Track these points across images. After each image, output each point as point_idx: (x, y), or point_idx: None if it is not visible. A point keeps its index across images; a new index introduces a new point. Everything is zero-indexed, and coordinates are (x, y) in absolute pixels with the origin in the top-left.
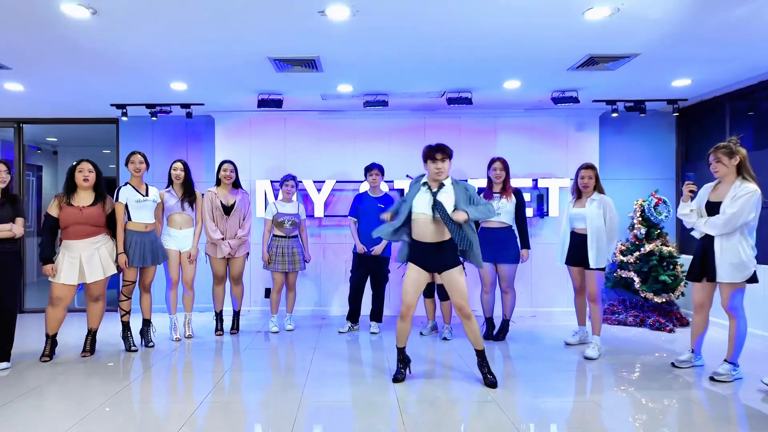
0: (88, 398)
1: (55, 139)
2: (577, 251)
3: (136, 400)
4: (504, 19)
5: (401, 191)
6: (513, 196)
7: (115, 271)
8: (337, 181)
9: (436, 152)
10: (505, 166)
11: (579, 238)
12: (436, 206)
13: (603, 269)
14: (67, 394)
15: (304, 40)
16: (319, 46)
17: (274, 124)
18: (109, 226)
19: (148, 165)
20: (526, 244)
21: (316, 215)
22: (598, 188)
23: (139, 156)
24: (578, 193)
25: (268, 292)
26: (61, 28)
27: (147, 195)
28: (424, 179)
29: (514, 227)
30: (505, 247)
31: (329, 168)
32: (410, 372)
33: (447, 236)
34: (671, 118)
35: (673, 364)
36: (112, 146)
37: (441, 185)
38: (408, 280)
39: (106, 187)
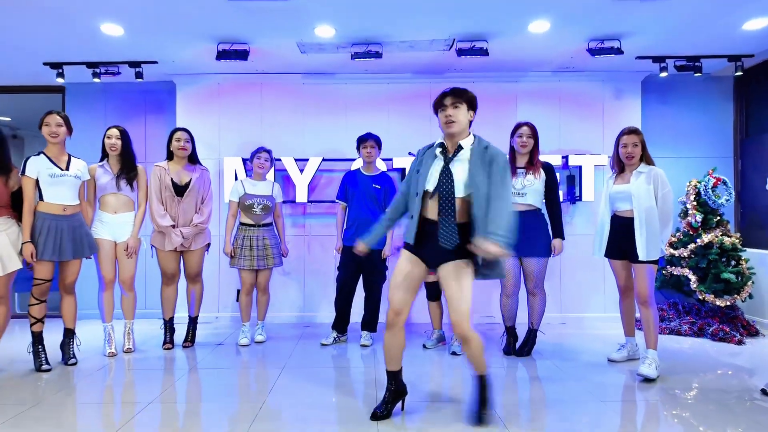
0: None
1: (9, 119)
2: (621, 240)
3: None
4: None
5: (402, 171)
6: (542, 171)
7: (20, 266)
8: (323, 159)
9: (444, 97)
10: (534, 133)
11: (623, 222)
12: (441, 182)
13: (656, 262)
14: None
15: None
16: None
17: (249, 91)
18: (15, 207)
19: (70, 129)
20: (559, 233)
21: (298, 200)
22: (645, 158)
23: (57, 116)
24: (620, 167)
25: (239, 295)
26: None
27: (67, 169)
28: (439, 141)
29: (544, 211)
30: (532, 236)
31: (315, 144)
32: (402, 408)
33: (464, 217)
34: (728, 83)
35: (764, 391)
36: None
37: (459, 148)
38: (397, 273)
39: (11, 158)
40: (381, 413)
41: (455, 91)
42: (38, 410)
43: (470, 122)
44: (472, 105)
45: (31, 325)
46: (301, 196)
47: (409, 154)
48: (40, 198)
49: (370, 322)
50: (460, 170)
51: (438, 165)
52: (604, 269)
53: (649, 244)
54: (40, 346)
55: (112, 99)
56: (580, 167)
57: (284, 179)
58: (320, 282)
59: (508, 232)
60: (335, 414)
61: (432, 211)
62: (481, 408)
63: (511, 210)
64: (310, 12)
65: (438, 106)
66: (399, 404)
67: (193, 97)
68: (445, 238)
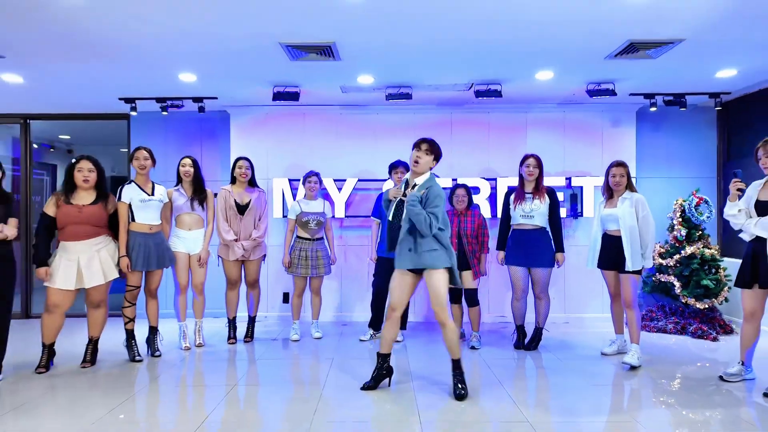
0: (84, 413)
1: (68, 137)
2: (612, 254)
3: (140, 416)
4: (538, 2)
5: None
6: (546, 196)
7: (117, 276)
8: (359, 180)
9: (422, 142)
10: (539, 164)
11: (612, 240)
12: (398, 207)
13: (639, 272)
14: (62, 410)
15: (317, 24)
16: (335, 30)
17: (293, 119)
18: (112, 227)
19: (154, 161)
20: (560, 248)
21: (336, 216)
22: (629, 187)
23: (144, 152)
24: (609, 193)
25: (286, 297)
26: (51, 14)
27: (153, 194)
28: (405, 178)
29: (548, 229)
30: (539, 250)
31: (351, 166)
32: (389, 384)
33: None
34: (712, 113)
35: (721, 378)
36: (122, 142)
37: (413, 186)
38: (393, 281)
39: (109, 186)
40: (370, 384)
41: (429, 141)
42: (150, 392)
43: (431, 168)
44: (438, 156)
45: (125, 323)
46: (339, 211)
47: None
48: (132, 219)
49: (401, 322)
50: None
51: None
52: (603, 278)
53: (634, 257)
54: (133, 341)
55: (171, 126)
56: (581, 187)
57: (324, 196)
58: (355, 286)
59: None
60: (380, 393)
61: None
62: (459, 385)
63: (417, 218)
64: (356, 67)
65: (414, 146)
66: (387, 380)
67: (244, 125)
68: (402, 253)
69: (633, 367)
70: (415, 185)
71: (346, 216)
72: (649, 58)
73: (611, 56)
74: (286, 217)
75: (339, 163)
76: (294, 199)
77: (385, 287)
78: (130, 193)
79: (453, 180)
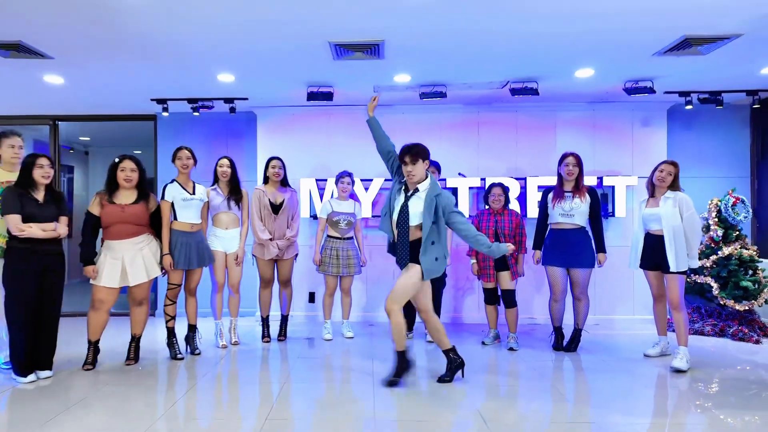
0: (137, 412)
1: (88, 139)
2: (654, 254)
3: (190, 415)
4: None
5: (453, 190)
6: (587, 194)
7: (159, 274)
8: (385, 180)
9: (404, 155)
10: (579, 162)
11: (655, 240)
12: (402, 211)
13: (685, 272)
14: (114, 407)
15: (371, 21)
16: (387, 28)
17: (318, 119)
18: (152, 225)
19: (195, 161)
20: (601, 248)
21: (363, 215)
22: (674, 186)
23: (187, 151)
24: (652, 191)
25: (312, 297)
26: (113, 12)
27: (194, 193)
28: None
29: (588, 228)
30: (579, 250)
31: (376, 165)
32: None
33: (418, 235)
34: (745, 111)
35: None
36: (146, 146)
37: (416, 190)
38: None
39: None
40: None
41: (411, 149)
42: (201, 389)
43: (426, 169)
44: (426, 157)
45: (167, 321)
46: (366, 211)
47: (459, 174)
48: (174, 218)
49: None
50: (415, 206)
51: (400, 201)
52: (633, 277)
53: (678, 257)
54: (174, 339)
55: (198, 127)
56: (612, 187)
57: (350, 196)
58: (380, 285)
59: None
60: (433, 391)
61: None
62: (396, 375)
63: (473, 232)
64: (397, 66)
65: (401, 160)
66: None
67: (271, 125)
68: (400, 258)
69: (680, 371)
70: (417, 190)
71: (372, 216)
72: (697, 55)
73: (660, 53)
74: (313, 217)
75: (364, 163)
76: (321, 199)
77: None
78: (172, 192)
79: (482, 180)
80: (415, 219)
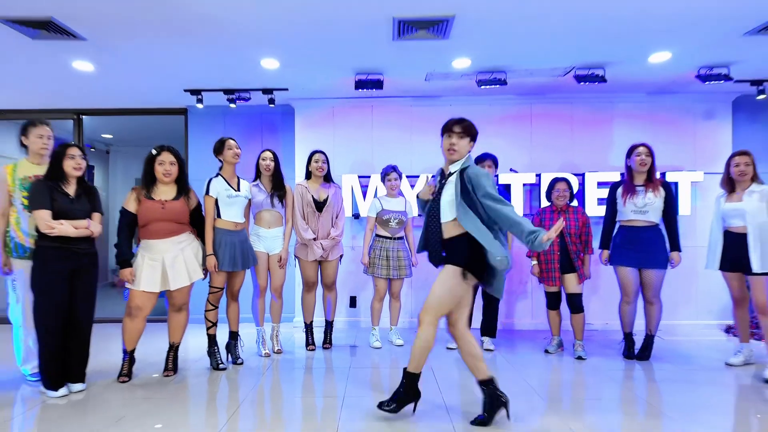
0: (195, 427)
1: (111, 136)
2: (735, 253)
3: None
4: None
5: (506, 187)
6: (661, 188)
7: (202, 276)
8: (432, 176)
9: (453, 125)
10: (651, 153)
11: (736, 237)
12: (429, 202)
13: None
14: (170, 424)
15: None
16: (460, 2)
17: (361, 112)
18: (192, 223)
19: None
20: (676, 246)
21: (409, 214)
22: (755, 178)
23: (233, 142)
24: (731, 186)
25: (353, 301)
26: None
27: (239, 189)
28: (439, 169)
29: (662, 226)
30: (652, 249)
31: (422, 161)
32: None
33: (456, 232)
34: None
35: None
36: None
37: (448, 175)
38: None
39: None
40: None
41: (463, 123)
42: (255, 403)
43: (468, 151)
44: (475, 136)
45: (208, 328)
46: (414, 209)
47: (511, 170)
48: (217, 215)
49: (489, 329)
50: (447, 193)
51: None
52: (697, 281)
53: (764, 256)
54: (215, 348)
55: (231, 121)
56: (676, 183)
57: (399, 193)
58: (427, 290)
59: (504, 251)
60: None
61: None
62: (393, 401)
63: (509, 216)
64: (459, 48)
65: (445, 131)
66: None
67: (309, 119)
68: (432, 256)
69: None
70: (450, 174)
71: (419, 215)
72: None
73: (754, 31)
74: (355, 216)
75: (409, 159)
76: (364, 197)
77: (472, 293)
78: (217, 187)
79: (536, 176)
80: (446, 215)
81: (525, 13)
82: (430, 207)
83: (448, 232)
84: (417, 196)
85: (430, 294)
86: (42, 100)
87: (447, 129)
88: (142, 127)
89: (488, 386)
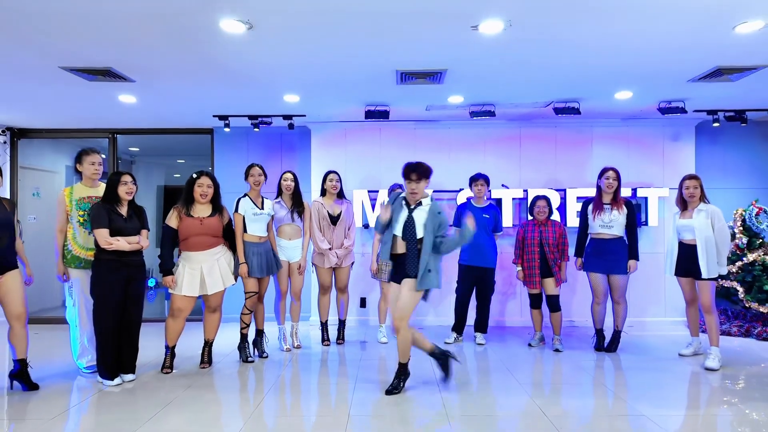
0: (235, 409)
1: (137, 149)
2: (687, 262)
3: (290, 410)
4: (637, 31)
5: (498, 201)
6: (624, 207)
7: (234, 282)
8: (433, 191)
9: (411, 172)
10: (618, 177)
11: (688, 248)
12: (407, 224)
13: (716, 279)
14: (201, 409)
15: (439, 52)
16: (452, 59)
17: (370, 133)
18: (223, 236)
19: (266, 177)
20: (634, 255)
21: None
22: (702, 198)
23: (258, 168)
24: (683, 204)
25: (363, 302)
26: (206, 40)
27: (263, 208)
28: (403, 194)
29: (625, 237)
30: (617, 258)
31: None
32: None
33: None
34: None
35: None
36: (192, 156)
37: (419, 203)
38: (393, 293)
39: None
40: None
41: (417, 167)
42: (282, 389)
43: (426, 187)
44: (429, 176)
45: (241, 329)
46: None
47: (503, 186)
48: (244, 230)
49: (482, 325)
50: (419, 217)
51: (403, 216)
52: (664, 282)
53: (710, 265)
54: (246, 343)
55: (254, 140)
56: (646, 198)
57: None
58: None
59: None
60: (502, 390)
61: (399, 247)
62: (401, 384)
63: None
64: (453, 89)
65: (405, 176)
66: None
67: (324, 140)
68: (410, 268)
69: (712, 370)
70: (419, 204)
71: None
72: (727, 81)
73: (694, 80)
74: (365, 226)
75: None
76: (373, 209)
77: (468, 293)
78: (245, 206)
79: (524, 191)
80: (420, 230)
81: (507, 60)
82: (406, 227)
83: (401, 248)
84: (377, 219)
85: (401, 304)
86: (80, 121)
87: (406, 176)
88: (166, 141)
89: (434, 354)
